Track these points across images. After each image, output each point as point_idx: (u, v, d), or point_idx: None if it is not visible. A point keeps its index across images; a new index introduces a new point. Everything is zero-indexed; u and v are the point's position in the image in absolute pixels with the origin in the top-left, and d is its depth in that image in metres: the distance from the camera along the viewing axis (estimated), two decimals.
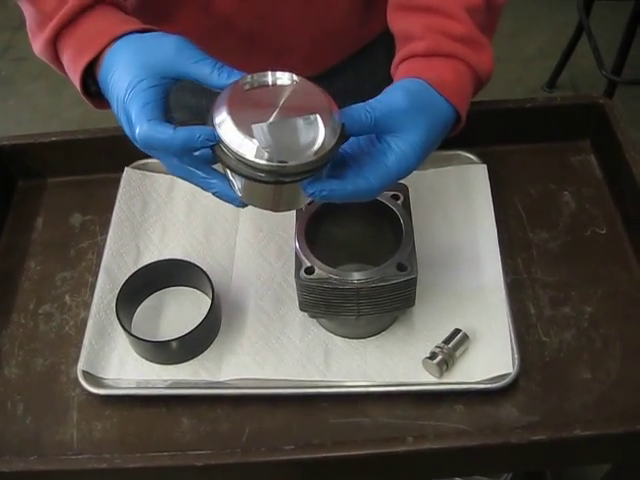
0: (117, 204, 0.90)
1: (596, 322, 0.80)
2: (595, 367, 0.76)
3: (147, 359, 0.78)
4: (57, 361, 0.80)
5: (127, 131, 0.63)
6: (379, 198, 0.75)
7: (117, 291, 0.79)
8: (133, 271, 0.82)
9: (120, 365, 0.78)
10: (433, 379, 0.75)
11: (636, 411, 0.72)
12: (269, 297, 0.82)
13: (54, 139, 0.93)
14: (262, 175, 0.57)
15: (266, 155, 0.56)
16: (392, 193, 0.76)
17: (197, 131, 0.58)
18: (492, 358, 0.76)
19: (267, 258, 0.86)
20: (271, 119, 0.57)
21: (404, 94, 0.63)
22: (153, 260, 0.84)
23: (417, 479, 0.79)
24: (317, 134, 0.57)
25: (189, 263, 0.81)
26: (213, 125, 0.58)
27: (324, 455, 0.67)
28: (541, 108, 0.94)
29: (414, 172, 0.90)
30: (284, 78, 0.60)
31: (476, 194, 0.89)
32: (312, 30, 0.88)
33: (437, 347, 0.75)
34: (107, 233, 0.88)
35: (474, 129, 0.92)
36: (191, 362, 0.78)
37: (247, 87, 0.60)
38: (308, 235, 0.74)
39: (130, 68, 0.61)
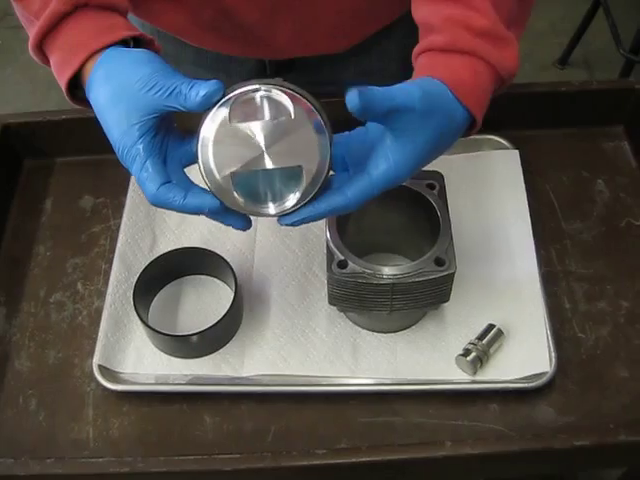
0: (131, 186, 0.86)
1: (633, 318, 0.77)
2: (633, 365, 0.74)
3: (166, 353, 0.74)
4: (70, 353, 0.76)
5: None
6: (414, 187, 0.71)
7: (133, 281, 0.75)
8: (149, 258, 0.78)
9: (137, 359, 0.74)
10: (466, 377, 0.72)
11: None
12: (293, 287, 0.79)
13: (64, 117, 0.88)
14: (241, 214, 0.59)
15: (242, 204, 0.57)
16: (427, 182, 0.72)
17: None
18: (528, 355, 0.73)
19: (290, 246, 0.82)
20: (253, 167, 0.55)
21: (422, 94, 0.57)
22: (170, 247, 0.80)
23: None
24: (298, 186, 0.56)
25: (210, 252, 0.77)
26: (197, 161, 0.56)
27: (359, 460, 0.64)
28: (576, 92, 0.89)
29: (442, 157, 0.87)
30: (275, 99, 0.55)
31: (508, 181, 0.85)
32: (338, 2, 0.84)
33: (470, 343, 0.72)
34: (121, 217, 0.84)
35: (506, 113, 0.89)
36: (212, 356, 0.74)
37: (232, 115, 0.55)
38: (339, 224, 0.70)
39: (112, 113, 0.59)
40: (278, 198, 0.57)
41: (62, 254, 0.84)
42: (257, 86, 0.55)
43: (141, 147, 0.58)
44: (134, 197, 0.85)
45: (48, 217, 0.88)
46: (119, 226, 0.83)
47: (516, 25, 0.65)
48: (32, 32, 0.64)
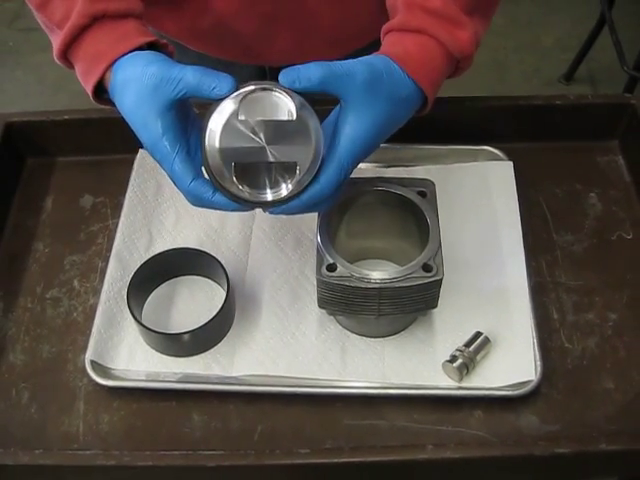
0: (130, 187, 0.88)
1: (620, 330, 0.77)
2: (618, 377, 0.74)
3: (158, 350, 0.76)
4: (64, 349, 0.77)
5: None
6: (405, 194, 0.73)
7: (128, 279, 0.77)
8: (144, 258, 0.80)
9: (129, 356, 0.76)
10: (452, 383, 0.73)
11: None
12: (285, 290, 0.80)
13: (67, 117, 0.90)
14: (237, 204, 0.63)
15: (241, 191, 0.62)
16: (418, 189, 0.73)
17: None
18: (514, 364, 0.73)
19: (284, 249, 0.83)
20: (254, 159, 0.60)
21: (362, 65, 0.63)
22: (166, 247, 0.81)
23: None
24: (292, 178, 0.61)
25: (204, 253, 0.78)
26: (204, 150, 0.61)
27: (341, 460, 0.65)
28: (571, 106, 0.91)
29: (436, 166, 0.89)
30: (279, 100, 0.60)
31: (501, 192, 0.86)
32: (338, 12, 0.85)
33: (457, 350, 0.73)
34: (119, 217, 0.85)
35: (501, 124, 0.91)
36: (203, 355, 0.75)
37: (240, 110, 0.60)
38: (330, 228, 0.71)
39: (135, 116, 0.63)
40: (273, 187, 0.62)
41: (60, 251, 0.85)
42: (264, 86, 0.60)
43: (167, 143, 0.62)
44: (132, 198, 0.87)
45: (48, 215, 0.89)
46: (117, 225, 0.85)
47: (480, 15, 0.70)
48: (55, 41, 0.68)
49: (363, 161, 0.65)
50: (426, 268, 0.68)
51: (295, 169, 0.61)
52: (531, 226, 0.85)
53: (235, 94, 0.60)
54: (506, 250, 0.82)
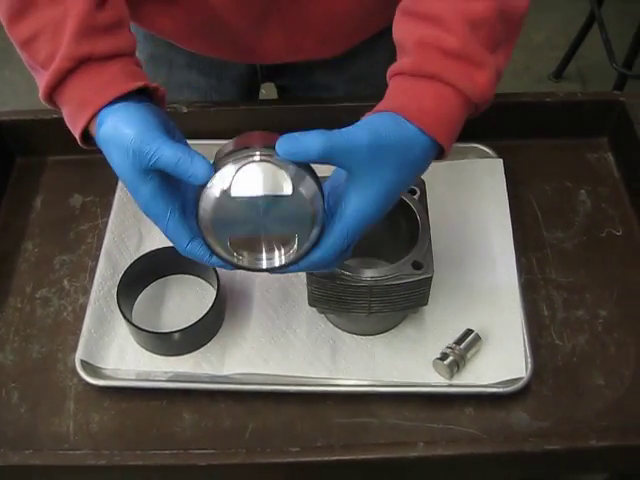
0: (119, 186, 0.88)
1: (610, 326, 0.78)
2: (608, 373, 0.74)
3: (148, 350, 0.75)
4: (54, 348, 0.77)
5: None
6: None
7: (118, 278, 0.76)
8: (134, 256, 0.79)
9: (120, 355, 0.75)
10: (443, 380, 0.73)
11: None
12: (275, 289, 0.80)
13: (56, 116, 0.89)
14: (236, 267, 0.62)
15: (237, 262, 0.61)
16: (409, 187, 0.73)
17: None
18: (504, 361, 0.74)
19: None
20: (250, 233, 0.59)
21: (367, 134, 0.57)
22: (155, 246, 0.81)
23: None
24: (290, 250, 0.60)
25: None
26: (198, 225, 0.59)
27: (332, 459, 0.65)
28: (561, 103, 0.91)
29: None
30: (273, 177, 0.56)
31: (491, 189, 0.87)
32: (329, 9, 0.85)
33: (448, 347, 0.73)
34: (108, 216, 0.85)
35: (491, 122, 0.90)
36: (193, 354, 0.75)
37: (232, 188, 0.57)
38: None
39: (123, 175, 0.60)
40: (271, 256, 0.60)
41: (50, 251, 0.85)
42: (259, 156, 0.57)
43: (158, 205, 0.59)
44: (122, 197, 0.87)
45: (37, 214, 0.89)
46: (107, 225, 0.84)
47: (505, 46, 0.64)
48: (40, 83, 0.65)
49: None
50: (416, 266, 0.68)
51: (294, 239, 0.59)
52: (521, 223, 0.85)
53: (229, 166, 0.56)
54: (496, 247, 0.82)
